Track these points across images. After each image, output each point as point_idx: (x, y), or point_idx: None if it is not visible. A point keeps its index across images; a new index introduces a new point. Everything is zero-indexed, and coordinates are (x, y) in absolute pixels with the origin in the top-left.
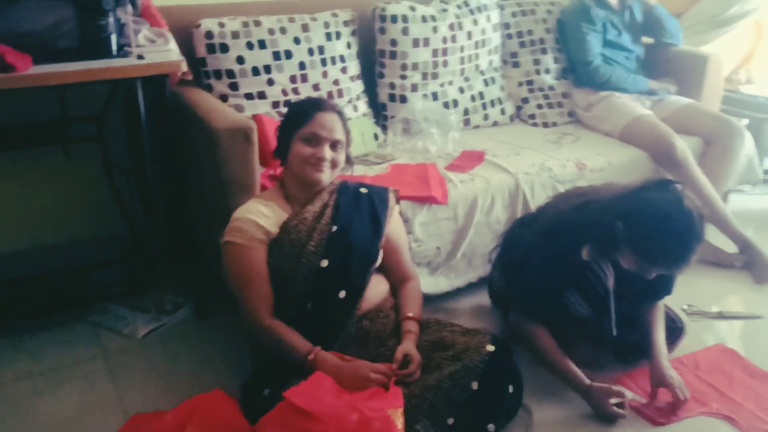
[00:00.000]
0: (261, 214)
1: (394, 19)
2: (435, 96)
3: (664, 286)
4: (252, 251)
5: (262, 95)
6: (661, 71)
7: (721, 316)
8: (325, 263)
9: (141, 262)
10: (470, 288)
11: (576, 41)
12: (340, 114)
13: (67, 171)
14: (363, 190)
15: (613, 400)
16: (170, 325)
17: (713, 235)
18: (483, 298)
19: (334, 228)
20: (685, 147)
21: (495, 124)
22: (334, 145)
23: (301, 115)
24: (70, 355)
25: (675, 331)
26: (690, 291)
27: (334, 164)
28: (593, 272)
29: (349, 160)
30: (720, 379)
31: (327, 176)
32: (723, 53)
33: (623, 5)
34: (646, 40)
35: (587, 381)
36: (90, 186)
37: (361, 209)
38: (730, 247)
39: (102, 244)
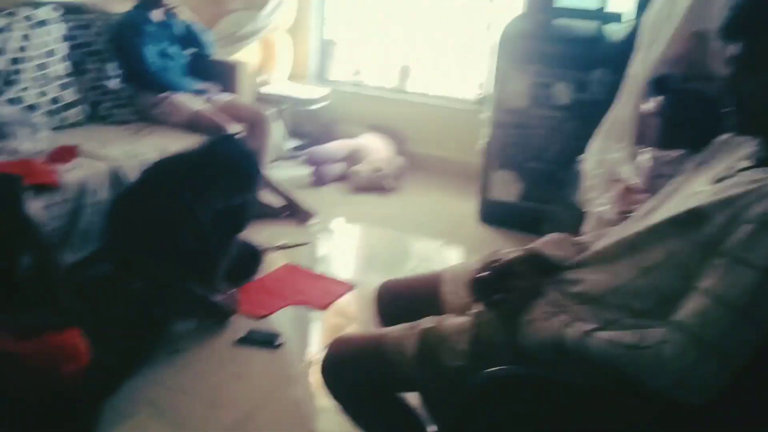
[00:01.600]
0: None
1: None
2: (20, 100)
3: (241, 224)
4: None
5: None
6: (207, 75)
7: (283, 247)
8: None
9: None
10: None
11: (134, 53)
12: None
13: None
14: None
15: None
16: None
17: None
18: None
19: None
20: (236, 131)
21: (75, 125)
22: None
23: None
24: None
25: (259, 254)
26: (259, 235)
27: None
28: (196, 217)
29: None
30: (292, 283)
31: None
32: (248, 61)
33: (164, 23)
34: (190, 50)
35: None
36: None
37: None
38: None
39: None
